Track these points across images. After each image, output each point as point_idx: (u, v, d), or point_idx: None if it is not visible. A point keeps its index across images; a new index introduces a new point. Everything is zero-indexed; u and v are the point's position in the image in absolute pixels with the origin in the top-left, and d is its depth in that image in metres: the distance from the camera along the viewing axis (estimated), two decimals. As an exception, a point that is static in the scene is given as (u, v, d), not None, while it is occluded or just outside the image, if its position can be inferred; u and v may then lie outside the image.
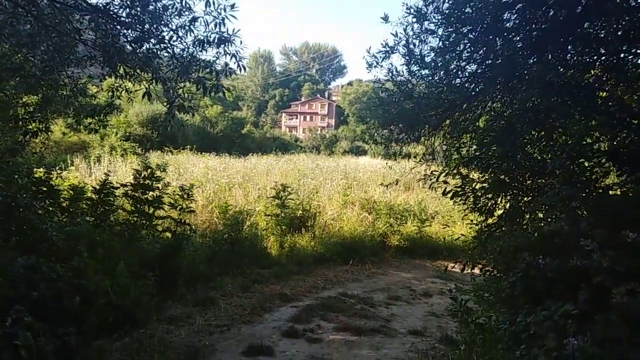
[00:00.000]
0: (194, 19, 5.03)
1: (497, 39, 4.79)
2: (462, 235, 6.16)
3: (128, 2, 5.14)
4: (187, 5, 5.02)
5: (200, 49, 5.43)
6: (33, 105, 6.56)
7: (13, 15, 5.85)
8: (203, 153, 24.82)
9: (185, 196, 7.47)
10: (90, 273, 4.60)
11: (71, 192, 6.95)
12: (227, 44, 5.08)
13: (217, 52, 5.80)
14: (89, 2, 5.35)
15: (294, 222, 10.57)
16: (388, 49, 5.45)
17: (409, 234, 11.51)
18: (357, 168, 20.50)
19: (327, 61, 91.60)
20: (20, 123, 5.60)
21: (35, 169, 6.83)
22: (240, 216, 9.94)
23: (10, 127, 6.19)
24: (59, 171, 8.45)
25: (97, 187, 6.96)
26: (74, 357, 3.94)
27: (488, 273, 5.04)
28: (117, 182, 7.24)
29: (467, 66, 5.38)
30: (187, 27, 5.24)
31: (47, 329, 3.72)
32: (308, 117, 72.83)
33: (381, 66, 5.68)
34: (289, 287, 7.77)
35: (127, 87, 6.71)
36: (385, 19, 5.35)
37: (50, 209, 5.66)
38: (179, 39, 5.45)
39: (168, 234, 7.24)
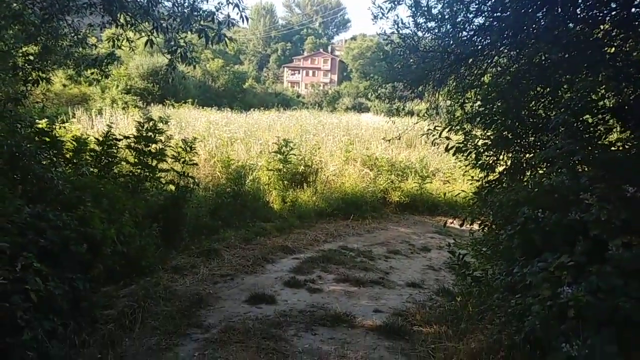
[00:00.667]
0: None
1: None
2: (463, 191, 6.22)
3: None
4: None
5: None
6: (33, 54, 6.47)
7: (9, -41, 5.69)
8: (204, 107, 24.66)
9: (188, 149, 7.47)
10: (96, 222, 4.68)
11: (74, 143, 6.95)
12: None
13: (218, 3, 5.69)
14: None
15: (295, 177, 10.64)
16: (394, -1, 5.32)
17: (410, 191, 11.60)
18: (360, 125, 20.39)
19: (330, 14, 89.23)
20: (20, 73, 5.53)
21: (37, 120, 6.81)
22: (243, 170, 10.01)
23: (11, 77, 6.14)
24: (60, 123, 8.43)
25: (100, 139, 6.95)
26: (81, 302, 4.08)
27: (487, 228, 5.13)
28: (120, 135, 7.23)
29: (475, 19, 5.26)
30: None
31: (56, 275, 3.83)
32: (311, 72, 71.70)
33: (387, 18, 5.55)
34: (290, 240, 7.92)
35: (128, 37, 6.61)
36: (393, -32, 5.19)
37: (54, 159, 5.68)
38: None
39: (172, 187, 7.30)
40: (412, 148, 15.92)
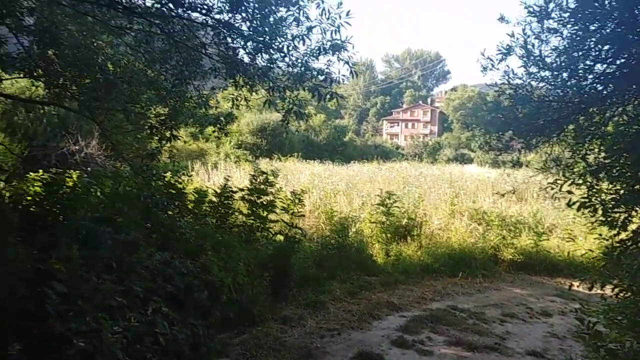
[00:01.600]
0: (310, 28, 5.19)
1: (632, 35, 4.37)
2: (590, 251, 5.65)
3: (249, 16, 5.48)
4: (306, 15, 5.19)
5: (315, 57, 5.61)
6: (164, 115, 7.25)
7: (148, 33, 6.53)
8: (308, 160, 25.59)
9: (297, 201, 7.74)
10: (215, 270, 4.95)
11: (195, 195, 7.55)
12: (340, 51, 5.19)
13: (328, 61, 6.00)
14: (214, 17, 5.79)
15: (399, 231, 10.46)
16: (504, 50, 5.23)
17: (524, 248, 10.79)
18: (463, 177, 19.72)
19: (429, 67, 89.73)
20: (154, 131, 6.23)
21: (164, 174, 7.53)
22: (346, 222, 10.09)
23: (146, 135, 6.90)
24: (183, 176, 9.24)
25: (218, 191, 7.47)
26: (201, 347, 4.26)
27: (622, 293, 4.58)
28: (235, 187, 7.72)
29: (595, 66, 4.98)
30: (302, 37, 5.45)
31: (180, 320, 4.06)
32: (410, 124, 71.78)
33: (497, 69, 5.46)
34: (396, 296, 7.69)
35: (245, 97, 7.17)
36: (503, 19, 5.14)
37: (179, 210, 6.19)
38: (295, 49, 5.70)
39: (280, 237, 7.55)
40: (523, 201, 14.94)
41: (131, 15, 5.61)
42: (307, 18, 5.13)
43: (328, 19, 5.00)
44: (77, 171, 6.99)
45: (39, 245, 3.55)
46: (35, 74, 6.32)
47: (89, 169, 9.36)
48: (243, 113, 30.01)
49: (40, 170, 6.20)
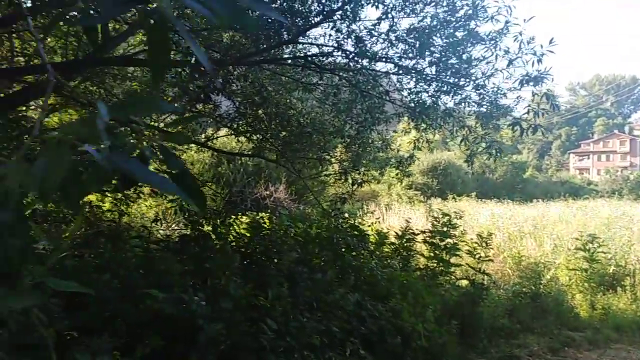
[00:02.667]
0: (511, 61, 4.97)
1: None
2: None
3: (435, 59, 5.50)
4: (506, 49, 5.00)
5: (516, 90, 5.33)
6: (348, 160, 7.64)
7: (335, 86, 7.03)
8: (483, 200, 24.23)
9: (484, 244, 7.31)
10: (406, 315, 4.88)
11: (376, 236, 7.66)
12: (540, 82, 4.86)
13: (518, 97, 5.66)
14: (399, 64, 5.96)
15: (605, 280, 9.07)
16: None
17: None
18: (684, 216, 16.41)
19: (625, 92, 78.75)
20: (345, 176, 6.59)
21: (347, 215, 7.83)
22: (537, 268, 9.14)
23: (334, 180, 7.35)
24: (362, 218, 9.51)
25: (399, 233, 7.47)
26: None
27: None
28: (416, 229, 7.64)
29: None
30: (493, 72, 5.25)
31: (375, 363, 4.06)
32: (603, 156, 63.32)
33: None
34: (607, 357, 6.59)
35: (427, 139, 7.15)
36: None
37: (364, 252, 6.33)
38: (483, 87, 5.52)
39: (465, 282, 7.16)
40: None
41: (322, 72, 6.12)
42: (507, 52, 4.93)
43: (525, 51, 4.74)
44: (269, 213, 7.74)
45: (252, 283, 3.93)
46: (241, 130, 7.29)
47: (280, 212, 10.25)
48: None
49: (239, 214, 7.02)
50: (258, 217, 6.42)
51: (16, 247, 0.74)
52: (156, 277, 3.38)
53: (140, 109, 0.88)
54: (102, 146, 0.75)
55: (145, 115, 4.61)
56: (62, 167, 0.74)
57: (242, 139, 7.83)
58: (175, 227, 8.03)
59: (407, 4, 5.39)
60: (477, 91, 5.31)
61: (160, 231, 7.03)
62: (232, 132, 7.51)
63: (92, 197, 6.07)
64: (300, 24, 5.35)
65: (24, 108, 5.78)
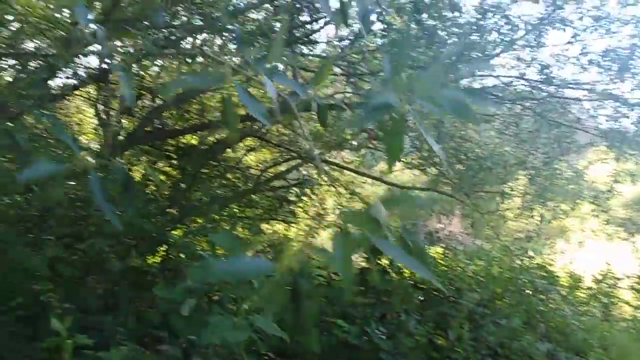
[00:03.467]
0: None
1: None
2: None
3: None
4: None
5: None
6: (534, 194, 7.05)
7: (517, 115, 6.60)
8: None
9: None
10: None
11: (569, 279, 6.86)
12: None
13: None
14: (594, 90, 5.39)
15: None
16: None
17: None
18: None
19: None
20: (528, 211, 6.12)
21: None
22: None
23: (516, 217, 6.85)
24: (550, 257, 8.56)
25: (599, 277, 6.58)
26: None
27: None
28: (621, 273, 6.65)
29: None
30: None
31: None
32: None
33: None
34: None
35: (630, 170, 6.27)
36: None
37: (555, 296, 5.71)
38: None
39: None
40: None
41: (501, 102, 5.85)
42: None
43: None
44: (443, 248, 7.46)
45: (430, 320, 3.88)
46: (415, 163, 7.32)
47: (455, 247, 9.89)
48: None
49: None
50: (433, 252, 6.30)
51: (312, 311, 0.85)
52: (341, 308, 3.57)
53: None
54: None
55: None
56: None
57: (417, 171, 7.83)
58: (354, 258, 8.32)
59: (600, 23, 4.90)
60: None
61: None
62: (407, 166, 7.58)
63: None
64: (478, 56, 5.24)
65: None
